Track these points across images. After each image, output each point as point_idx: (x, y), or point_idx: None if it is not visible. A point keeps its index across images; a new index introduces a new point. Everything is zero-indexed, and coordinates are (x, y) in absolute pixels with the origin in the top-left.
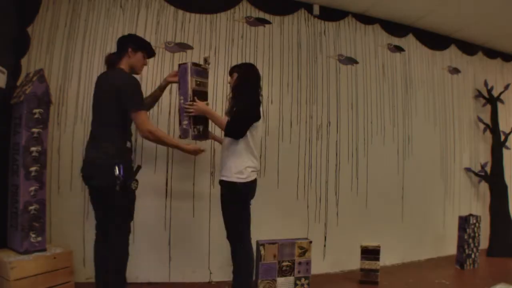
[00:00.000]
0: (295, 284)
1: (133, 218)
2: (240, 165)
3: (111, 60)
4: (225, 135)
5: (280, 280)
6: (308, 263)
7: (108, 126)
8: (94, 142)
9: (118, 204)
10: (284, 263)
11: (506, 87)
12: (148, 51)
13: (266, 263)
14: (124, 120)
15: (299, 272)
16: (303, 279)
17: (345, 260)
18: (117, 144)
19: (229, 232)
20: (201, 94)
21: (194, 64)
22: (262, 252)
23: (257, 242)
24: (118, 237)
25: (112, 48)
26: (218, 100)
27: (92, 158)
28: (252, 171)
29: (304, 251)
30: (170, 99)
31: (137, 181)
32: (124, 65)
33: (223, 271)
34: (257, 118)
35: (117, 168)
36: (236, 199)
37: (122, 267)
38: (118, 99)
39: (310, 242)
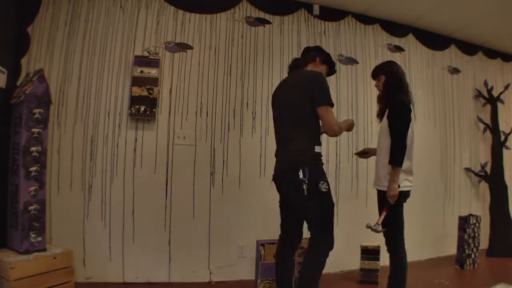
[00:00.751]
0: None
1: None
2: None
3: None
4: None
5: None
6: None
7: (300, 128)
8: (288, 146)
9: (308, 207)
10: None
11: (506, 87)
12: (331, 67)
13: (266, 263)
14: (315, 121)
15: (299, 272)
16: None
17: (345, 260)
18: (309, 148)
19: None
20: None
21: None
22: (262, 252)
23: (257, 242)
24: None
25: (112, 48)
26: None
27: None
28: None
29: (304, 251)
30: (170, 99)
31: (327, 182)
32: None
33: (223, 271)
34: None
35: (301, 171)
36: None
37: None
38: (310, 94)
39: None
